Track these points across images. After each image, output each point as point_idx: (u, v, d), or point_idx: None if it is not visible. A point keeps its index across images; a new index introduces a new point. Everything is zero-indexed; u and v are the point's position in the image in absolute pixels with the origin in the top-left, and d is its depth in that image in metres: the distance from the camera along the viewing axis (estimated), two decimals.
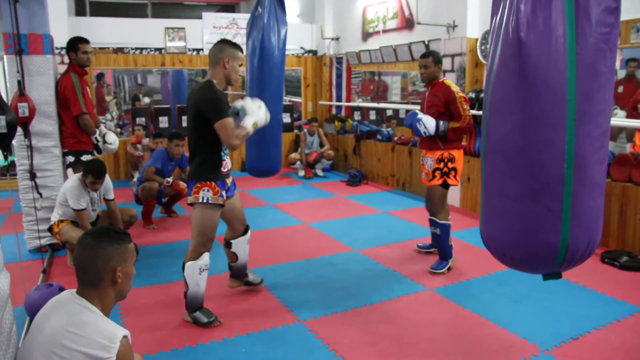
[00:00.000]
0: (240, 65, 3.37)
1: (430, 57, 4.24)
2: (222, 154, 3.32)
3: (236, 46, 3.32)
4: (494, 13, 2.18)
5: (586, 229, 2.07)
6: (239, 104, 3.37)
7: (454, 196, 6.65)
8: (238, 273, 3.89)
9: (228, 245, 3.79)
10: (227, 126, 3.11)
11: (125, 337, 1.78)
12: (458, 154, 4.27)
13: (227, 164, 3.39)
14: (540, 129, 2.00)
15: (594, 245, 2.13)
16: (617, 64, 8.24)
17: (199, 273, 3.31)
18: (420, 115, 4.18)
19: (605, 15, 1.95)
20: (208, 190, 3.28)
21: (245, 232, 3.80)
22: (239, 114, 3.35)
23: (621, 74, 7.75)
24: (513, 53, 2.01)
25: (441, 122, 4.13)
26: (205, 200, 3.28)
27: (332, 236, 5.25)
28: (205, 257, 3.34)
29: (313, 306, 3.63)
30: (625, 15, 4.61)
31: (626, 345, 3.08)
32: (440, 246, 4.32)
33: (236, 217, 3.71)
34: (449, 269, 4.25)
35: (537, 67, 1.96)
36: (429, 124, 4.12)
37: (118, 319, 3.37)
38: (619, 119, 6.38)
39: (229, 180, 3.46)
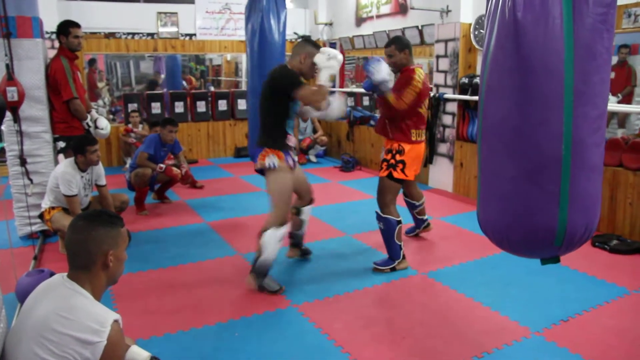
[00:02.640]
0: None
1: (393, 46, 4.00)
2: (288, 128, 3.62)
3: (316, 46, 3.61)
4: None
5: (584, 211, 2.06)
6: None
7: (445, 181, 6.67)
8: (298, 241, 4.23)
9: (298, 212, 4.06)
10: (305, 91, 3.41)
11: (116, 321, 1.77)
12: (409, 148, 3.97)
13: (291, 138, 3.66)
14: (537, 110, 1.98)
15: (592, 228, 2.11)
16: None
17: (277, 241, 3.51)
18: (383, 62, 3.87)
19: None
20: (273, 157, 3.54)
21: (310, 202, 4.11)
22: None
23: (613, 60, 7.75)
24: (509, 34, 1.99)
25: (390, 82, 3.88)
26: (272, 166, 3.52)
27: (325, 221, 5.26)
28: (285, 228, 3.58)
29: (306, 291, 3.64)
30: (618, 0, 4.62)
31: (616, 326, 3.11)
32: (386, 243, 4.04)
33: (304, 187, 4.03)
34: (392, 269, 3.97)
35: (534, 48, 1.94)
36: (381, 68, 3.79)
37: (110, 303, 3.37)
38: (611, 104, 6.40)
39: (292, 154, 3.72)
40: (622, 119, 6.59)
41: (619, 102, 6.17)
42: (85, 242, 1.83)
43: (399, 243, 3.98)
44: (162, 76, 11.45)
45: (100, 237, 1.84)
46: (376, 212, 4.05)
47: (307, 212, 4.11)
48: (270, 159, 3.52)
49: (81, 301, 1.77)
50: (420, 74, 3.94)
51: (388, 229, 3.97)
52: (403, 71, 4.01)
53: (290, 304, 3.44)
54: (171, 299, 3.50)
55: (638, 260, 4.17)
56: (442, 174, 6.77)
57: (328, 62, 3.45)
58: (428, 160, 6.85)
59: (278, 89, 3.50)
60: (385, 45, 4.09)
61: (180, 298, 3.54)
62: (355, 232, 4.93)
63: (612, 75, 7.06)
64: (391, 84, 3.91)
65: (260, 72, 4.91)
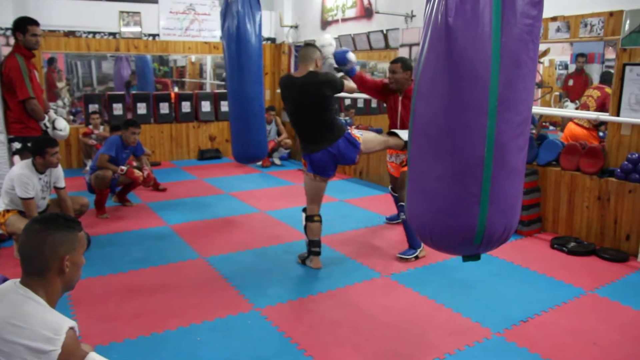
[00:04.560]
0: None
1: (399, 63, 4.28)
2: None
3: (318, 48, 4.11)
4: (427, 1, 2.23)
5: (503, 213, 2.14)
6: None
7: None
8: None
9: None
10: (347, 85, 4.08)
11: (71, 328, 1.72)
12: None
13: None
14: (463, 113, 2.06)
15: (511, 229, 2.21)
16: (567, 58, 8.49)
17: None
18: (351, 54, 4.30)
19: (529, 8, 2.04)
20: (356, 131, 4.07)
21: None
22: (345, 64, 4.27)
23: (571, 68, 7.97)
24: (440, 37, 2.06)
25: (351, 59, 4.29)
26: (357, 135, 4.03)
27: (289, 224, 5.24)
28: None
29: (269, 294, 3.61)
30: (575, 10, 4.76)
31: (573, 326, 3.19)
32: (407, 234, 4.31)
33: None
34: (416, 257, 4.26)
35: (462, 53, 2.02)
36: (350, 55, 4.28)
37: (68, 309, 3.28)
38: (569, 110, 6.58)
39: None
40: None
41: (576, 109, 6.33)
42: (40, 247, 1.76)
43: None
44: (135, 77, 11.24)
45: (56, 242, 1.77)
46: (400, 205, 4.34)
47: None
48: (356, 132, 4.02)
49: (34, 308, 1.70)
50: None
51: None
52: (408, 92, 4.31)
53: (253, 307, 3.41)
54: (132, 304, 3.43)
55: (594, 261, 4.29)
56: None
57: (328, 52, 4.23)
58: None
59: (333, 89, 3.92)
60: (392, 61, 4.37)
61: (141, 302, 3.46)
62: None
63: (571, 82, 7.28)
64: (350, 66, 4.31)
65: (240, 75, 4.93)
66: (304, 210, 4.20)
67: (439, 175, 2.14)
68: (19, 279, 1.79)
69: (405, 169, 4.21)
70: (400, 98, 4.37)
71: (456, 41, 2.00)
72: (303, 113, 3.99)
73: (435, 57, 2.09)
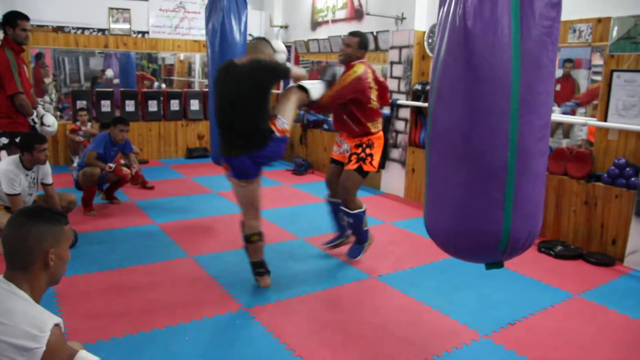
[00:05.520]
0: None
1: (357, 39, 4.00)
2: None
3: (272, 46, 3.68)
4: (442, 3, 2.19)
5: (527, 218, 2.10)
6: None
7: (397, 186, 6.75)
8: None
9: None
10: (294, 70, 3.75)
11: (57, 325, 1.67)
12: (377, 141, 4.13)
13: None
14: (484, 117, 2.02)
15: (535, 234, 2.17)
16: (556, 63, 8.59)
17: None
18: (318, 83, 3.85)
19: (548, 9, 2.01)
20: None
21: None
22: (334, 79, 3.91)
23: (558, 73, 8.04)
24: (459, 41, 2.03)
25: (327, 78, 3.89)
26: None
27: (277, 224, 5.23)
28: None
29: (257, 294, 3.61)
30: (564, 16, 4.78)
31: (559, 329, 3.22)
32: (355, 232, 4.19)
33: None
34: (365, 250, 4.24)
35: (482, 56, 1.98)
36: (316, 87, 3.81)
37: (54, 306, 3.24)
38: (556, 115, 6.64)
39: None
40: (567, 130, 6.83)
41: (563, 113, 6.40)
42: (24, 239, 1.72)
43: (366, 227, 4.17)
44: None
45: (40, 234, 1.73)
46: (343, 209, 4.10)
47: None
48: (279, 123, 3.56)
49: (18, 303, 1.66)
50: (359, 66, 3.94)
51: (358, 221, 4.08)
52: (348, 66, 4.01)
53: (242, 307, 3.40)
54: (119, 302, 3.40)
55: (581, 265, 4.33)
56: (394, 179, 6.85)
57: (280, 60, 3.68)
58: (380, 165, 6.91)
59: (277, 77, 3.63)
60: (350, 33, 4.08)
61: (129, 300, 3.44)
62: (307, 235, 4.93)
63: (558, 87, 7.33)
64: (323, 83, 3.87)
65: None
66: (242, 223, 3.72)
67: (461, 181, 2.10)
68: (2, 274, 1.75)
69: (350, 166, 4.05)
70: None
71: (475, 45, 1.97)
72: (234, 107, 3.46)
73: (454, 62, 2.06)
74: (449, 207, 2.18)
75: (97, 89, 9.01)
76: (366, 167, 4.04)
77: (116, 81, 10.55)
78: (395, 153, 6.81)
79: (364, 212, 4.10)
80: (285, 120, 3.57)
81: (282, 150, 3.62)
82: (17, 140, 4.37)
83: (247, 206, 3.67)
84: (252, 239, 3.62)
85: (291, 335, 3.07)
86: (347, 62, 4.03)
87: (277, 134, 3.51)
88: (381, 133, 4.20)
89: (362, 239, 4.21)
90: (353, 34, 4.06)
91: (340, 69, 4.01)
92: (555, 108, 7.08)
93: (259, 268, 3.72)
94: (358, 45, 4.00)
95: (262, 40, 3.70)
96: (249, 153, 3.45)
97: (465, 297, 3.64)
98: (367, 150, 4.07)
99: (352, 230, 4.22)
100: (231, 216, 5.53)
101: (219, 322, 3.20)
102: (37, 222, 1.75)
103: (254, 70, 3.43)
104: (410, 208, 6.13)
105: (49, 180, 4.35)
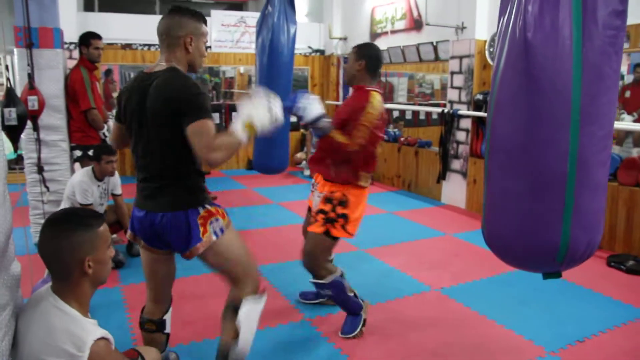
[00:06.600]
0: (206, 42, 2.48)
1: (355, 49, 3.21)
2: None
3: (197, 16, 2.36)
4: (501, 13, 2.19)
5: (587, 229, 2.07)
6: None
7: (458, 197, 6.65)
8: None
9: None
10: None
11: (100, 339, 1.62)
12: (355, 198, 3.13)
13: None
14: (544, 128, 2.01)
15: (594, 246, 2.13)
16: (625, 68, 8.24)
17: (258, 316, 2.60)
18: (312, 96, 2.92)
19: (612, 18, 1.96)
20: (217, 219, 2.47)
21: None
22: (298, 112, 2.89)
23: (628, 78, 7.73)
24: (519, 53, 2.02)
25: (327, 120, 2.94)
26: (218, 235, 2.49)
27: None
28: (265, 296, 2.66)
29: (319, 304, 3.63)
30: (635, 19, 4.62)
31: (632, 348, 3.08)
32: (342, 304, 3.24)
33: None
34: (364, 322, 3.23)
35: (543, 68, 1.97)
36: (311, 104, 2.88)
37: (123, 313, 3.36)
38: (626, 123, 6.37)
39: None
40: (638, 138, 6.55)
41: (634, 121, 6.13)
42: (56, 253, 1.64)
43: (352, 292, 3.22)
44: None
45: (72, 245, 1.63)
46: (315, 283, 3.20)
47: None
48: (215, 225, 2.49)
49: (60, 320, 1.61)
50: (378, 101, 3.04)
51: (338, 291, 3.16)
52: (356, 89, 3.18)
53: (304, 317, 3.44)
54: (184, 310, 3.49)
55: None
56: (455, 190, 6.75)
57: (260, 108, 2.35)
58: (441, 176, 6.85)
59: (192, 113, 2.16)
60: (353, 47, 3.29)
61: (194, 309, 3.54)
62: (368, 246, 4.92)
63: (628, 94, 7.04)
64: (327, 122, 2.94)
65: (268, 86, 4.96)
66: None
67: (519, 192, 2.09)
68: (51, 284, 1.72)
69: (315, 228, 3.14)
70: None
71: (536, 56, 1.96)
72: (147, 137, 2.36)
73: (514, 74, 2.06)
74: (507, 216, 2.18)
75: None
76: (335, 232, 3.09)
77: None
78: (456, 164, 6.72)
79: (341, 277, 3.19)
80: (225, 237, 2.60)
81: (187, 246, 2.59)
82: (89, 152, 4.60)
83: (150, 282, 2.84)
84: (146, 326, 2.70)
85: (353, 345, 3.07)
86: (353, 84, 3.22)
87: (203, 215, 2.50)
88: (367, 190, 3.24)
89: (352, 308, 3.22)
90: (360, 47, 3.25)
91: (312, 103, 2.89)
92: (625, 116, 6.81)
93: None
94: (366, 66, 3.16)
95: (176, 15, 2.33)
96: (157, 210, 2.43)
97: (530, 312, 3.54)
98: (339, 210, 3.09)
99: (337, 304, 3.30)
100: (293, 227, 5.59)
101: (282, 332, 3.24)
102: (66, 231, 1.65)
103: (163, 92, 2.23)
104: (471, 219, 6.02)
105: (119, 191, 4.55)
